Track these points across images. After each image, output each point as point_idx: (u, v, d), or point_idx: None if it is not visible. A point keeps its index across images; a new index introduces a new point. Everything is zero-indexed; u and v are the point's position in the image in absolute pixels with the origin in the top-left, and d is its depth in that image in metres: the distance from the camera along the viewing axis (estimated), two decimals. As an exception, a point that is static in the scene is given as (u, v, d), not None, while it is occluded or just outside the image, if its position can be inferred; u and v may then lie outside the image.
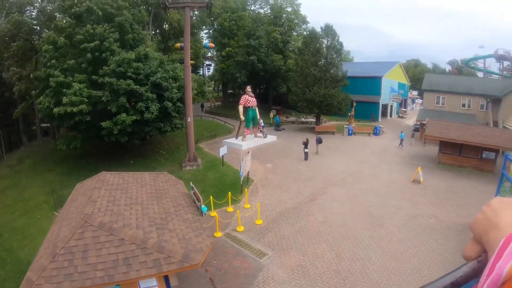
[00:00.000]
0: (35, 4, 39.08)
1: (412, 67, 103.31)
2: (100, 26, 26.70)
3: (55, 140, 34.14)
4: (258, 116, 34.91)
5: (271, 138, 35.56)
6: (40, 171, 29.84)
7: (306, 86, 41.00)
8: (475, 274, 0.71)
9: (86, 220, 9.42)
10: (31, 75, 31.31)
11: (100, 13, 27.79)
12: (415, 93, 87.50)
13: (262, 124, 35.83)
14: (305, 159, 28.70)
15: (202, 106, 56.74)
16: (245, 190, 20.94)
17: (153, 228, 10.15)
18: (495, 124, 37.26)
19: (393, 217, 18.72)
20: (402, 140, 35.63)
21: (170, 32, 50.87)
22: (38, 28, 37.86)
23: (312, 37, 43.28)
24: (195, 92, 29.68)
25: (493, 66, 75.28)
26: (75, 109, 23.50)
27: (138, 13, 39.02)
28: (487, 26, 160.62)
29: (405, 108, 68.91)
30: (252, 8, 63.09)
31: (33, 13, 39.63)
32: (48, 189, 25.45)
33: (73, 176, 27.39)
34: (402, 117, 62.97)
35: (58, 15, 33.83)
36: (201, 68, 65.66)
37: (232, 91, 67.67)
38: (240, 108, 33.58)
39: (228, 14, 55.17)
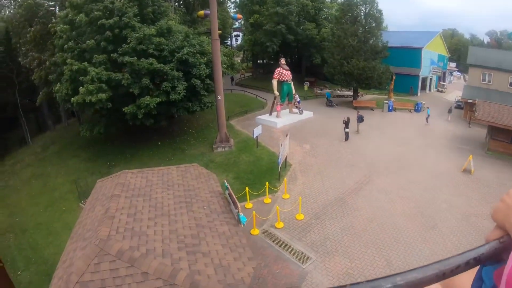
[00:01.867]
0: None
1: (449, 37, 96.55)
2: (118, 0, 24.43)
3: (80, 123, 32.70)
4: (294, 91, 32.40)
5: (308, 114, 33.01)
6: (65, 158, 28.67)
7: (344, 58, 37.92)
8: (496, 254, 0.72)
9: (102, 248, 7.56)
10: (47, 62, 29.54)
11: None
12: (452, 65, 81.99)
13: (298, 99, 33.22)
14: (345, 140, 26.36)
15: (232, 79, 54.19)
16: (284, 180, 18.80)
17: (183, 252, 8.22)
18: (547, 107, 33.21)
19: (445, 216, 16.44)
20: (428, 116, 33.28)
21: (195, 2, 48.01)
22: (57, 9, 35.99)
23: (349, 4, 39.67)
24: (224, 66, 27.27)
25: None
26: (93, 99, 21.58)
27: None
28: None
29: (444, 81, 64.25)
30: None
31: None
32: (73, 177, 24.31)
33: (98, 161, 26.28)
34: (441, 91, 58.47)
35: None
36: (229, 39, 62.92)
37: (262, 61, 64.90)
38: (274, 82, 31.09)
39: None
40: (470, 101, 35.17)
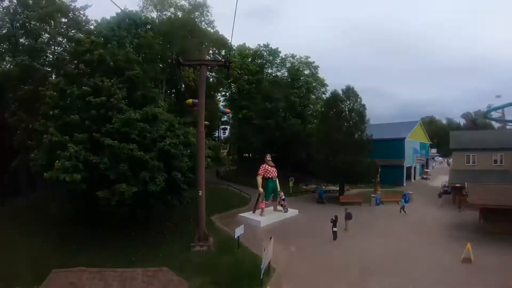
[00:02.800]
0: (48, 51, 37.52)
1: (427, 124, 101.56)
2: (108, 80, 24.05)
3: (53, 197, 30.50)
4: (279, 188, 31.45)
5: (293, 212, 31.83)
6: (30, 231, 25.90)
7: (330, 153, 37.95)
8: None
9: None
10: (30, 125, 28.46)
11: (112, 64, 25.61)
12: (434, 151, 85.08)
13: (283, 197, 32.17)
14: (334, 239, 24.64)
15: (217, 172, 53.34)
16: (267, 290, 16.56)
17: None
18: (531, 178, 34.11)
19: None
20: (403, 206, 33.58)
21: (186, 92, 48.95)
22: (53, 76, 35.96)
23: (334, 100, 41.17)
24: (209, 160, 26.31)
25: (507, 115, 73.77)
26: (67, 178, 20.09)
27: (152, 70, 36.89)
28: (492, 77, 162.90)
29: (427, 168, 66.09)
30: (269, 71, 62.03)
31: (48, 60, 38.17)
32: (34, 253, 21.56)
33: (64, 243, 23.44)
34: (426, 179, 60.36)
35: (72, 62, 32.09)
36: (217, 131, 63.56)
37: (248, 155, 64.98)
38: (259, 179, 30.39)
39: (248, 77, 53.95)
40: (457, 185, 35.71)
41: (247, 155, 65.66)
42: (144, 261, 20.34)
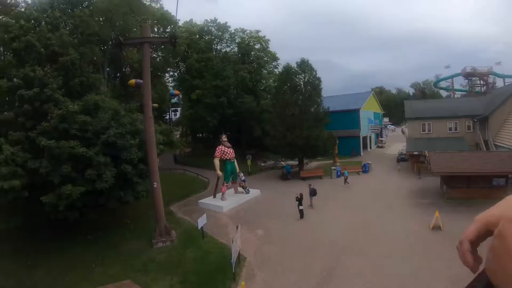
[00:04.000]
0: None
1: (378, 95, 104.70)
2: (39, 69, 20.97)
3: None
4: (238, 169, 30.22)
5: (255, 192, 30.71)
6: None
7: (287, 129, 36.80)
8: None
9: None
10: None
11: (43, 50, 22.60)
12: (386, 120, 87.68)
13: (243, 178, 30.77)
14: (300, 218, 23.89)
15: (175, 157, 50.81)
16: (242, 284, 15.25)
17: None
18: (486, 143, 36.03)
19: (434, 288, 13.75)
20: (346, 177, 33.58)
21: (131, 75, 45.70)
22: None
23: (288, 73, 39.69)
24: (161, 147, 24.22)
25: (456, 84, 77.33)
26: (5, 186, 17.43)
27: (90, 52, 33.70)
28: (439, 48, 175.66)
29: (382, 137, 67.84)
30: (218, 48, 59.61)
31: None
32: None
33: (17, 259, 20.56)
34: (381, 147, 61.75)
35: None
36: (167, 113, 60.80)
37: (202, 135, 62.98)
38: (216, 161, 28.86)
39: (198, 55, 51.50)
40: (415, 153, 36.74)
41: (201, 135, 63.70)
42: (105, 266, 18.82)
